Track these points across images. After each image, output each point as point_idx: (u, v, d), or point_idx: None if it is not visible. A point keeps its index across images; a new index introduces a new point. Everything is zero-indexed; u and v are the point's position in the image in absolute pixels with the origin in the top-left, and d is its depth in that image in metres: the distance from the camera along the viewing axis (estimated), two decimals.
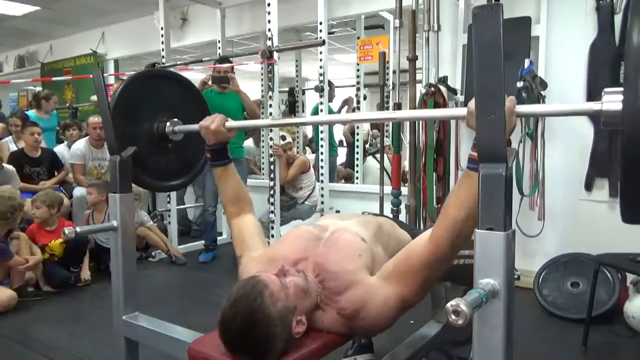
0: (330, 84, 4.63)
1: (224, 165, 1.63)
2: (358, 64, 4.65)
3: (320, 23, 4.06)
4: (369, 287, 1.26)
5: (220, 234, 4.49)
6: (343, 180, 5.57)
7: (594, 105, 0.92)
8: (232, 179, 1.65)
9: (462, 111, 1.13)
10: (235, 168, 1.67)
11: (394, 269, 1.27)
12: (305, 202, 4.11)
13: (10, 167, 4.03)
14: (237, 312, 1.15)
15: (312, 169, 4.22)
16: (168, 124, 1.80)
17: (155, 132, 1.80)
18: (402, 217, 3.18)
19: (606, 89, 0.90)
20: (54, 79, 5.95)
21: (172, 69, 4.22)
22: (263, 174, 5.21)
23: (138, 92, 1.79)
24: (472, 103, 1.04)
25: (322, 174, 4.23)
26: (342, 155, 6.53)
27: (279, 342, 1.17)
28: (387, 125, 4.71)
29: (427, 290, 1.30)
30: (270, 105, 3.73)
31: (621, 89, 0.84)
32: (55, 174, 4.50)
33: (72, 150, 4.36)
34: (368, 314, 1.25)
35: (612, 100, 0.88)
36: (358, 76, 4.73)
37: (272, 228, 3.74)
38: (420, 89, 3.20)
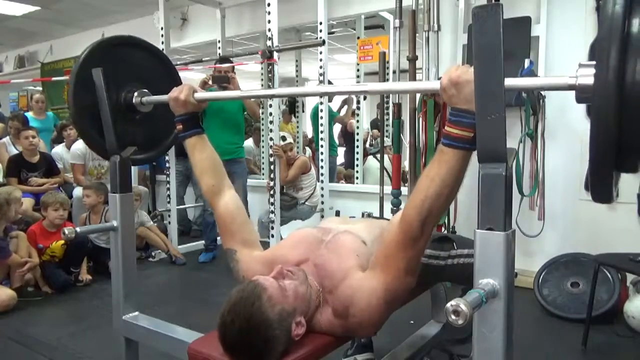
0: (330, 84, 4.63)
1: (197, 134, 1.54)
2: (358, 64, 4.66)
3: (320, 23, 4.06)
4: (356, 281, 1.25)
5: None
6: (343, 180, 5.57)
7: (569, 80, 0.91)
8: (208, 149, 1.54)
9: (434, 84, 1.10)
10: (208, 139, 1.57)
11: (375, 259, 1.26)
12: (306, 203, 4.11)
13: None
14: (235, 316, 1.14)
15: (313, 169, 4.22)
16: (136, 94, 1.73)
17: (123, 102, 1.74)
18: None
19: (581, 62, 0.89)
20: (54, 79, 5.95)
21: None
22: (263, 174, 5.21)
23: (105, 60, 1.70)
24: (447, 73, 1.03)
25: (322, 174, 4.24)
26: (341, 155, 6.53)
27: (278, 345, 1.17)
28: (387, 126, 4.71)
29: (412, 278, 1.23)
30: (270, 105, 3.73)
31: (594, 62, 0.82)
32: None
33: (72, 151, 4.36)
34: (356, 308, 1.23)
35: (586, 74, 0.87)
36: (358, 76, 4.73)
37: (272, 228, 3.74)
38: None
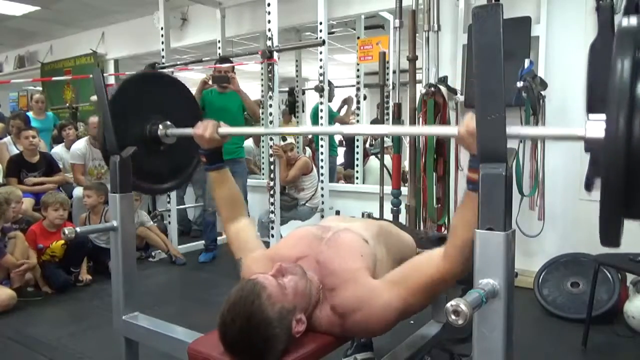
0: (330, 84, 4.63)
1: (219, 169, 1.61)
2: (358, 64, 4.66)
3: (320, 23, 4.06)
4: (371, 289, 1.25)
5: (220, 234, 4.48)
6: (343, 181, 5.57)
7: (578, 131, 0.95)
8: (228, 183, 1.63)
9: (451, 130, 1.12)
10: (229, 171, 1.65)
11: (404, 280, 1.26)
12: (307, 204, 4.11)
13: None
14: (235, 315, 1.14)
15: (314, 170, 4.21)
16: (160, 126, 1.78)
17: (148, 134, 1.78)
18: (402, 217, 3.18)
19: (590, 116, 0.93)
20: (54, 79, 5.96)
21: (171, 69, 4.23)
22: (263, 174, 5.21)
23: (133, 95, 1.77)
24: (464, 124, 1.06)
25: (322, 174, 4.24)
26: (341, 155, 6.53)
27: (279, 344, 1.17)
28: None
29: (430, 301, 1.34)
30: (270, 105, 3.73)
31: (604, 116, 0.86)
32: None
33: (72, 151, 4.37)
34: (365, 315, 1.24)
35: (595, 127, 0.91)
36: (358, 76, 4.73)
37: (272, 228, 3.74)
38: (420, 89, 3.20)
